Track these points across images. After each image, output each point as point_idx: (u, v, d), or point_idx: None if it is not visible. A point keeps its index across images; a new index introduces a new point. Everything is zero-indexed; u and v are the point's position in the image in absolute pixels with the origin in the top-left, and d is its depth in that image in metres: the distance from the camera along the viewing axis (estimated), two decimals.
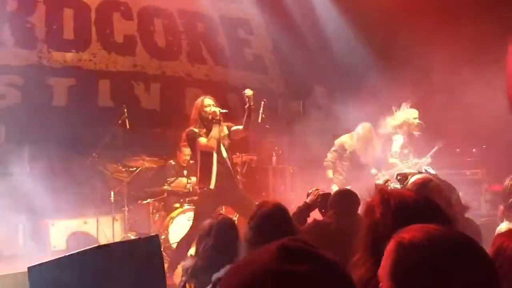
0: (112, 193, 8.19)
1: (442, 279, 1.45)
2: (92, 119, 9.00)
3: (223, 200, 7.01)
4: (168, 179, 8.69)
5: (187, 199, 8.46)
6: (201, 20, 10.76)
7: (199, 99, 7.07)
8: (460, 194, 5.18)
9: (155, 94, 10.24)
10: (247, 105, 6.64)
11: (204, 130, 6.87)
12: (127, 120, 8.15)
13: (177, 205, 8.43)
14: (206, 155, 6.83)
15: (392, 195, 1.99)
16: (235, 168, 7.29)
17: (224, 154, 6.91)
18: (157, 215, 8.52)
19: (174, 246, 7.89)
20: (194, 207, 8.07)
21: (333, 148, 8.19)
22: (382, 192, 2.03)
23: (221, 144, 6.90)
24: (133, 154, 8.44)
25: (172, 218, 8.14)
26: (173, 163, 8.95)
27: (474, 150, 9.09)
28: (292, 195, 9.05)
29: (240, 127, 6.89)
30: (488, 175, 8.48)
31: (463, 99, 8.11)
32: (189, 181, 8.59)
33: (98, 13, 9.79)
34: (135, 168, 8.45)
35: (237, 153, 8.29)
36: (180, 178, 8.75)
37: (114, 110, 8.61)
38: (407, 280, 1.48)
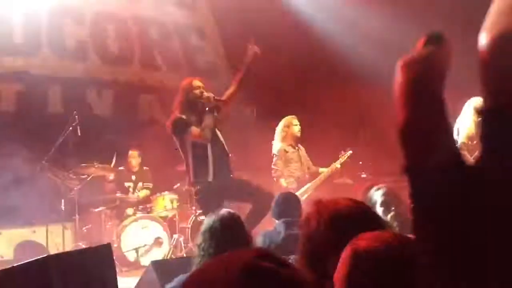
0: (62, 201, 8.01)
1: (397, 285, 1.47)
2: (42, 126, 8.80)
3: (224, 194, 6.15)
4: (125, 185, 8.64)
5: (140, 206, 8.39)
6: (154, 26, 10.67)
7: (186, 81, 6.34)
8: None
9: (108, 100, 10.09)
10: (246, 63, 6.19)
11: (193, 118, 6.12)
12: (78, 127, 8.04)
13: (130, 212, 8.35)
14: (199, 146, 6.11)
15: (326, 206, 2.01)
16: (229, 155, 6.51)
17: (221, 141, 6.25)
18: (109, 223, 8.39)
19: (127, 254, 7.79)
20: (148, 214, 8.24)
21: (275, 158, 7.92)
22: (318, 203, 2.04)
23: (217, 132, 6.24)
24: (84, 161, 8.27)
25: (125, 226, 8.05)
26: (123, 168, 8.85)
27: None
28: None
29: (231, 89, 6.32)
30: None
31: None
32: (139, 187, 8.55)
33: (50, 18, 9.63)
34: (86, 176, 8.34)
35: None
36: (130, 184, 8.70)
37: (65, 117, 8.46)
38: (362, 287, 1.50)
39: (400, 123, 1.13)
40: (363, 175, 8.96)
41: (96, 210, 8.40)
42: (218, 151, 6.20)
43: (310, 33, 10.07)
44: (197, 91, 6.17)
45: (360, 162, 8.87)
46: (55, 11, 9.65)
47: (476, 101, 7.75)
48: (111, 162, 8.62)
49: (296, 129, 7.93)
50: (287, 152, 7.84)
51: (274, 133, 8.09)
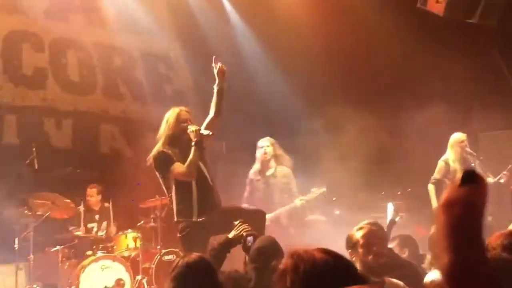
0: (16, 239, 7.77)
1: None
2: None
3: (211, 230, 5.88)
4: (87, 226, 8.53)
5: (100, 245, 8.10)
6: (118, 54, 10.55)
7: (172, 111, 6.00)
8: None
9: (67, 131, 9.83)
10: (218, 85, 5.90)
11: (177, 151, 5.84)
12: (35, 160, 7.83)
13: (89, 252, 8.09)
14: (183, 183, 5.86)
15: (302, 260, 1.98)
16: (216, 186, 6.22)
17: (205, 175, 5.96)
18: (67, 264, 8.09)
19: None
20: (109, 254, 8.00)
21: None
22: (293, 256, 2.02)
23: (201, 165, 5.94)
24: (41, 197, 8.04)
25: (84, 267, 7.74)
26: (83, 208, 8.52)
27: (399, 193, 9.00)
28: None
29: (210, 116, 6.01)
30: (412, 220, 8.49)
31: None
32: (103, 227, 8.40)
33: (6, 43, 9.40)
34: (43, 212, 7.99)
35: (156, 196, 7.98)
36: (94, 225, 8.53)
37: (21, 148, 8.34)
38: None
39: (446, 266, 1.23)
40: (337, 212, 8.81)
41: (53, 249, 8.11)
42: (203, 187, 5.93)
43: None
44: (184, 125, 5.87)
45: (334, 199, 8.74)
46: (12, 36, 9.47)
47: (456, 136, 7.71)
48: (70, 198, 8.33)
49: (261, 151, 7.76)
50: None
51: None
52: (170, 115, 5.98)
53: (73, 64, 10.12)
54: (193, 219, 5.80)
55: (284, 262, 2.03)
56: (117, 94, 10.55)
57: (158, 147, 5.91)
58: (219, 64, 6.02)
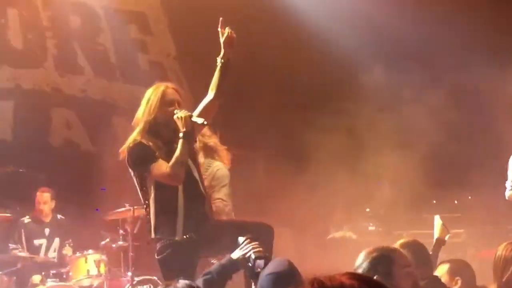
0: None
1: None
2: None
3: (200, 251, 5.75)
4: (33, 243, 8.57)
5: (51, 271, 8.16)
6: (76, 12, 10.54)
7: (155, 89, 5.79)
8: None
9: (6, 116, 9.94)
10: (224, 57, 5.70)
11: (160, 143, 5.66)
12: None
13: (36, 280, 8.15)
14: (166, 188, 5.63)
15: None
16: (208, 195, 6.11)
17: (195, 180, 5.80)
18: None
19: None
20: (63, 284, 8.07)
21: None
22: (313, 284, 2.01)
23: (191, 167, 5.79)
24: None
25: None
26: (29, 219, 8.61)
27: (456, 201, 9.00)
28: None
29: (209, 97, 5.83)
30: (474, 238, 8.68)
31: None
32: (55, 246, 8.49)
33: None
34: None
35: (126, 205, 8.03)
36: (43, 242, 8.58)
37: None
38: None
39: None
40: (371, 227, 8.91)
41: None
42: (192, 195, 5.70)
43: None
44: (170, 109, 5.60)
45: (367, 209, 8.94)
46: None
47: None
48: (10, 206, 8.49)
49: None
50: None
51: None
52: (152, 94, 5.72)
53: (15, 26, 10.15)
54: (176, 238, 5.58)
55: None
56: (74, 67, 10.55)
57: (134, 136, 5.66)
58: (228, 29, 5.79)
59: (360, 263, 3.92)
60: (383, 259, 3.88)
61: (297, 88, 10.72)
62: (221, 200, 7.08)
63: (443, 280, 5.12)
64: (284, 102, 10.72)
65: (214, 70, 6.10)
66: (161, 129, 5.66)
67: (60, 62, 10.42)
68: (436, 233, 6.02)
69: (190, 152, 5.72)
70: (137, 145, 5.58)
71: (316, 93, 10.51)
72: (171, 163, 5.52)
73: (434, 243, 5.79)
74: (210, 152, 7.45)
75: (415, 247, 4.52)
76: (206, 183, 6.77)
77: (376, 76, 9.91)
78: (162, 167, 5.53)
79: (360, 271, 3.81)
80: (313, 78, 10.57)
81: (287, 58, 10.53)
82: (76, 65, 10.54)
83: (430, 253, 5.39)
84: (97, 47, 10.72)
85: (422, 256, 4.57)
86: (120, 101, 10.53)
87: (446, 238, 5.96)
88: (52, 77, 10.35)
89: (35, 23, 10.26)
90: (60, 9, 10.41)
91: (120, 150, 5.76)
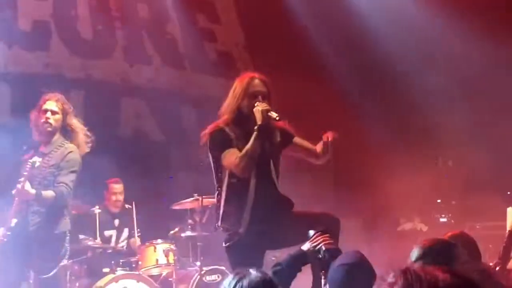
0: None
1: None
2: None
3: (263, 245, 5.83)
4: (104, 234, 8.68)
5: (121, 260, 8.27)
6: (144, 1, 10.67)
7: (242, 78, 5.85)
8: None
9: (78, 106, 9.56)
10: (328, 138, 5.72)
11: (241, 134, 5.73)
12: None
13: (106, 269, 8.24)
14: (238, 179, 5.71)
15: (420, 280, 1.99)
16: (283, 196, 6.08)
17: (270, 177, 5.85)
18: (77, 284, 8.21)
19: None
20: (132, 272, 8.16)
21: None
22: (406, 274, 2.02)
23: (270, 163, 5.84)
24: None
25: None
26: (99, 210, 8.67)
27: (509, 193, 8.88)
28: None
29: (314, 149, 5.90)
30: None
31: None
32: (124, 236, 8.64)
33: None
34: None
35: (195, 195, 8.16)
36: (113, 233, 8.73)
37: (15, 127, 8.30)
38: None
39: None
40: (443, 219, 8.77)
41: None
42: (263, 187, 5.73)
43: None
44: (254, 101, 5.63)
45: (439, 200, 8.75)
46: None
47: None
48: (84, 197, 8.38)
49: None
50: None
51: None
52: (238, 84, 5.77)
53: (85, 17, 10.18)
54: (241, 230, 5.67)
55: (391, 282, 2.03)
56: (143, 57, 10.67)
57: (219, 122, 5.78)
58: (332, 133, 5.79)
59: (419, 255, 3.84)
60: (445, 253, 3.83)
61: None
62: (65, 185, 6.76)
63: None
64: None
65: (284, 60, 6.05)
66: (244, 120, 5.69)
67: (129, 52, 10.56)
68: (509, 225, 5.91)
69: (262, 146, 5.69)
70: (218, 131, 5.68)
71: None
72: (240, 154, 5.57)
73: (506, 235, 5.68)
74: (67, 133, 7.22)
75: (464, 240, 4.44)
76: (52, 161, 6.83)
77: None
78: (232, 156, 5.60)
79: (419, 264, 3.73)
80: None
81: None
82: (145, 54, 10.69)
83: (503, 245, 5.41)
84: (165, 36, 10.81)
85: (472, 250, 4.48)
86: (188, 90, 10.60)
87: None
88: (121, 67, 10.49)
89: (104, 13, 10.31)
90: (128, 1, 10.60)
91: (201, 134, 5.84)
